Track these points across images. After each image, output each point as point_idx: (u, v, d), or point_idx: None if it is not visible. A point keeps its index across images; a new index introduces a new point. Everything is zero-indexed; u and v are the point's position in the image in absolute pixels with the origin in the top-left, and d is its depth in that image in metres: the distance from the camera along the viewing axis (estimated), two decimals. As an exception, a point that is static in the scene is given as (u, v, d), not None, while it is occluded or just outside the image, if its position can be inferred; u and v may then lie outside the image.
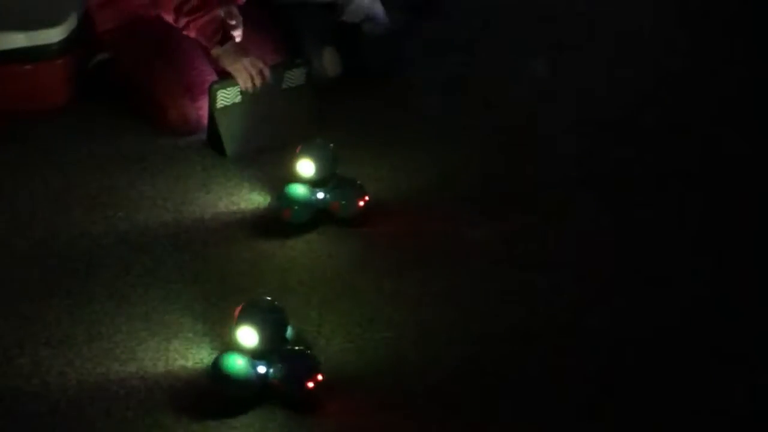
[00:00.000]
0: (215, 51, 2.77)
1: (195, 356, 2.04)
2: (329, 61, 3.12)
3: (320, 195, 2.47)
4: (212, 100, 2.71)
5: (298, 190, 2.48)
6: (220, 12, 2.78)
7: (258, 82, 2.72)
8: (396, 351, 2.08)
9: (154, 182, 2.65)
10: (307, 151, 2.49)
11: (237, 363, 1.94)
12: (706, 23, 3.58)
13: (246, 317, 1.95)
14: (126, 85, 2.98)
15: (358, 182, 2.51)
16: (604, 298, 2.24)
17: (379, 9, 3.30)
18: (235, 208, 2.54)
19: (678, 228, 2.51)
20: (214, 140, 2.75)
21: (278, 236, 2.44)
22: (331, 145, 2.52)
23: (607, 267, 2.36)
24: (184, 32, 2.82)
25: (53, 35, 3.00)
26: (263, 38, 3.02)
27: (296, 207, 2.46)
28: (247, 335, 1.94)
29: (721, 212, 2.56)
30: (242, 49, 2.76)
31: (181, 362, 2.02)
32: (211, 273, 2.31)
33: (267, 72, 2.74)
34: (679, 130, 2.93)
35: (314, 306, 2.21)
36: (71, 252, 2.36)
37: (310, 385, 1.91)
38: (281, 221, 2.46)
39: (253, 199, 2.56)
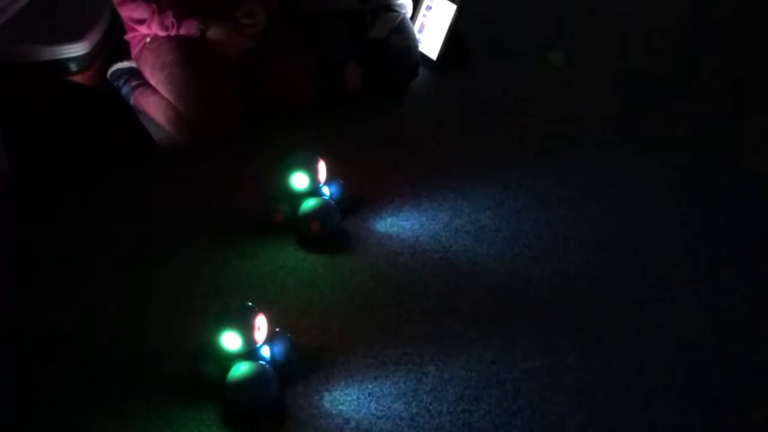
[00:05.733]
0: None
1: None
2: (351, 76, 3.12)
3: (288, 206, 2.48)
4: None
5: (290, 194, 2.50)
6: None
7: None
8: (418, 367, 2.06)
9: (175, 194, 2.67)
10: (295, 163, 2.50)
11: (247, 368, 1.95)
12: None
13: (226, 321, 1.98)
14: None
15: (331, 203, 2.49)
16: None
17: (406, 4, 3.34)
18: (255, 222, 2.53)
19: None
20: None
21: (299, 250, 2.43)
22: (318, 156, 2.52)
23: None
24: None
25: (77, 49, 3.03)
26: (292, 48, 3.06)
27: (288, 210, 2.48)
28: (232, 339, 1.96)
29: None
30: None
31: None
32: (231, 287, 2.30)
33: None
34: None
35: (335, 320, 2.19)
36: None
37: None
38: (274, 224, 2.48)
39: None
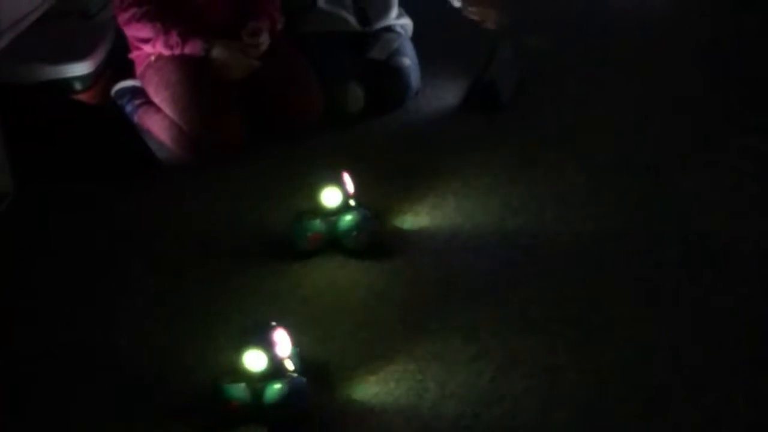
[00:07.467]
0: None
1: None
2: (352, 96, 3.14)
3: (324, 225, 2.48)
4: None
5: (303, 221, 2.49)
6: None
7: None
8: (418, 384, 2.07)
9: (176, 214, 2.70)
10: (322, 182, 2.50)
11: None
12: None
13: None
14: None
15: (367, 213, 2.50)
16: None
17: (406, 25, 3.36)
18: (257, 239, 2.55)
19: None
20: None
21: (302, 267, 2.45)
22: (345, 175, 2.53)
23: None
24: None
25: (81, 68, 3.06)
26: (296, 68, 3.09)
27: (324, 228, 2.48)
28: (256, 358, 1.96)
29: None
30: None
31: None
32: (234, 304, 2.32)
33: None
34: None
35: (338, 337, 2.21)
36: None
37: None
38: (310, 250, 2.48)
39: (275, 230, 2.58)
